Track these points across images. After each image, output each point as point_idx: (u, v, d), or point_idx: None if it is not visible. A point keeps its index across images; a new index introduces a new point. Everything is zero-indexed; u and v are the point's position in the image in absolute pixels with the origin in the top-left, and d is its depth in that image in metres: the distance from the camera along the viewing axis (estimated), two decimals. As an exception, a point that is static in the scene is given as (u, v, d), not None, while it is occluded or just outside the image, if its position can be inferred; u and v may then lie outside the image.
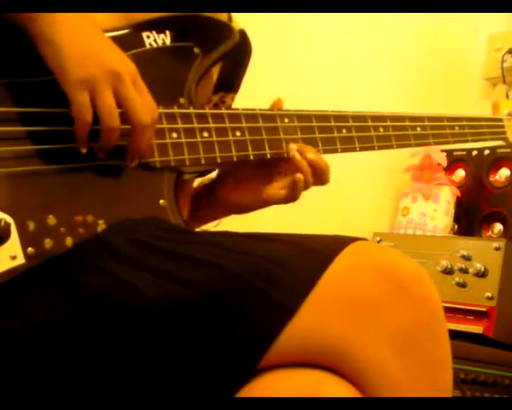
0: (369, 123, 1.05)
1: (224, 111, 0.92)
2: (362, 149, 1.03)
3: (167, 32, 0.91)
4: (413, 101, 2.21)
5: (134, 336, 0.69)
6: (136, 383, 0.69)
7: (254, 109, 0.94)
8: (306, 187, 0.95)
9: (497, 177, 2.05)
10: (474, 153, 2.10)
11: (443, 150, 2.09)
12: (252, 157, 0.92)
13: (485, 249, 1.74)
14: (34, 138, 0.77)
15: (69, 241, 0.76)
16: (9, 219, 0.73)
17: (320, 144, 0.98)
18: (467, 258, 1.75)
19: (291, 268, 0.69)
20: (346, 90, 2.04)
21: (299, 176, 0.93)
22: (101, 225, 0.78)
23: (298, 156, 0.94)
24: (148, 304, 0.69)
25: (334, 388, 0.67)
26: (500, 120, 1.30)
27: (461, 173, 2.15)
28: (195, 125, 0.88)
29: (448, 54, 2.36)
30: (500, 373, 1.64)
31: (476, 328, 1.69)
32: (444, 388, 0.71)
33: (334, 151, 1.00)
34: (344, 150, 1.01)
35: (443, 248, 1.80)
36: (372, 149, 1.05)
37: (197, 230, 1.03)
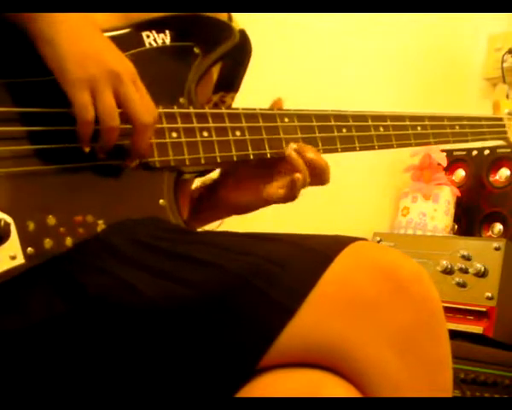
0: (370, 122, 1.04)
1: (223, 111, 0.92)
2: (362, 148, 1.03)
3: (167, 32, 0.91)
4: (413, 101, 2.21)
5: (134, 336, 0.69)
6: (136, 383, 0.69)
7: (254, 109, 0.94)
8: (304, 186, 0.95)
9: (497, 177, 2.05)
10: (474, 153, 2.10)
11: (443, 150, 2.09)
12: (252, 157, 0.92)
13: (485, 249, 1.74)
14: (34, 138, 0.77)
15: (69, 241, 0.76)
16: (9, 219, 0.72)
17: (320, 144, 0.98)
18: (467, 258, 1.75)
19: (291, 268, 0.69)
20: (346, 90, 2.03)
21: (298, 175, 0.93)
22: (101, 225, 0.78)
23: (294, 155, 0.93)
24: (147, 304, 0.69)
25: (334, 388, 0.67)
26: (500, 119, 1.30)
27: (461, 173, 2.15)
28: (195, 124, 0.88)
29: (448, 54, 2.36)
30: (500, 373, 1.64)
31: (476, 328, 1.69)
32: (444, 388, 0.71)
33: (334, 151, 1.00)
34: (344, 150, 1.01)
35: (443, 248, 1.80)
36: (372, 148, 1.05)
37: (199, 230, 1.03)
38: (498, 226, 2.00)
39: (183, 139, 0.86)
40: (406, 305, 0.69)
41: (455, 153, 2.13)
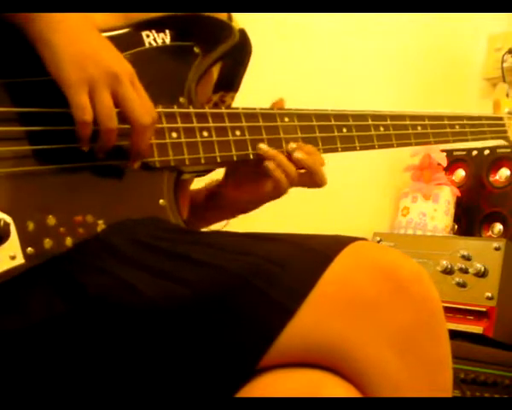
0: (370, 122, 1.04)
1: (223, 110, 0.92)
2: (362, 148, 1.03)
3: (167, 32, 0.91)
4: (413, 101, 2.21)
5: (134, 336, 0.69)
6: (136, 383, 0.69)
7: (254, 109, 0.94)
8: (287, 185, 0.95)
9: (497, 177, 2.05)
10: (474, 153, 2.10)
11: (443, 150, 2.09)
12: (252, 156, 0.92)
13: (485, 249, 1.73)
14: (34, 138, 0.77)
15: (69, 241, 0.76)
16: (9, 219, 0.72)
17: (320, 143, 0.98)
18: (467, 258, 1.75)
19: (291, 268, 0.69)
20: (346, 90, 2.03)
21: (267, 163, 0.93)
22: (101, 225, 0.78)
23: (264, 149, 0.93)
24: (147, 304, 0.69)
25: (334, 388, 0.67)
26: (501, 118, 1.30)
27: (461, 173, 2.15)
28: (195, 124, 0.88)
29: (448, 54, 2.36)
30: (500, 373, 1.64)
31: (476, 328, 1.69)
32: (444, 388, 0.71)
33: (335, 150, 1.00)
34: (344, 149, 1.01)
35: (443, 248, 1.80)
36: (372, 148, 1.05)
37: (204, 230, 1.03)
38: (498, 226, 2.00)
39: (182, 139, 0.86)
40: (406, 305, 0.68)
41: (455, 153, 2.13)
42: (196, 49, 0.93)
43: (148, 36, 0.90)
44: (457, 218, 2.09)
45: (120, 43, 0.82)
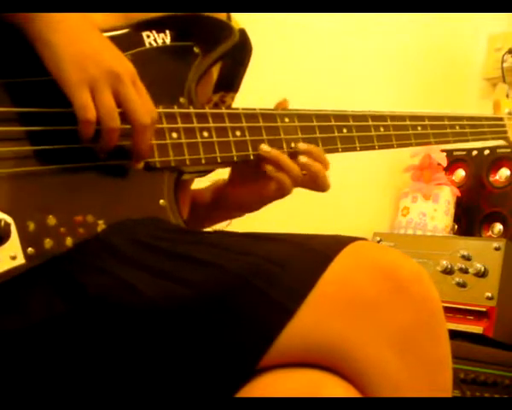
0: (370, 122, 1.04)
1: (224, 111, 0.92)
2: (362, 148, 1.03)
3: (167, 32, 0.91)
4: (413, 101, 2.21)
5: (134, 336, 0.69)
6: (135, 383, 0.69)
7: (254, 109, 0.94)
8: (292, 183, 0.95)
9: (497, 177, 2.05)
10: (474, 153, 2.10)
11: (443, 150, 2.09)
12: (252, 157, 0.92)
13: (485, 249, 1.73)
14: (34, 138, 0.77)
15: (69, 241, 0.76)
16: (9, 220, 0.72)
17: (320, 144, 0.98)
18: (467, 258, 1.75)
19: (291, 268, 0.69)
20: (346, 90, 2.03)
21: (266, 166, 0.93)
22: (101, 225, 0.78)
23: (266, 150, 0.93)
24: (147, 304, 0.69)
25: (334, 388, 0.67)
26: (501, 119, 1.30)
27: (461, 173, 2.15)
28: (195, 124, 0.88)
29: (448, 54, 2.36)
30: (500, 373, 1.64)
31: (476, 328, 1.69)
32: (444, 388, 0.71)
33: (335, 151, 1.00)
34: (344, 150, 1.01)
35: (443, 248, 1.80)
36: (372, 148, 1.05)
37: (206, 229, 1.03)
38: (498, 226, 2.00)
39: (183, 140, 0.86)
40: (406, 305, 0.69)
41: (455, 153, 2.13)
42: (196, 50, 0.93)
43: (148, 36, 0.90)
44: (457, 218, 2.09)
45: (121, 43, 0.82)
